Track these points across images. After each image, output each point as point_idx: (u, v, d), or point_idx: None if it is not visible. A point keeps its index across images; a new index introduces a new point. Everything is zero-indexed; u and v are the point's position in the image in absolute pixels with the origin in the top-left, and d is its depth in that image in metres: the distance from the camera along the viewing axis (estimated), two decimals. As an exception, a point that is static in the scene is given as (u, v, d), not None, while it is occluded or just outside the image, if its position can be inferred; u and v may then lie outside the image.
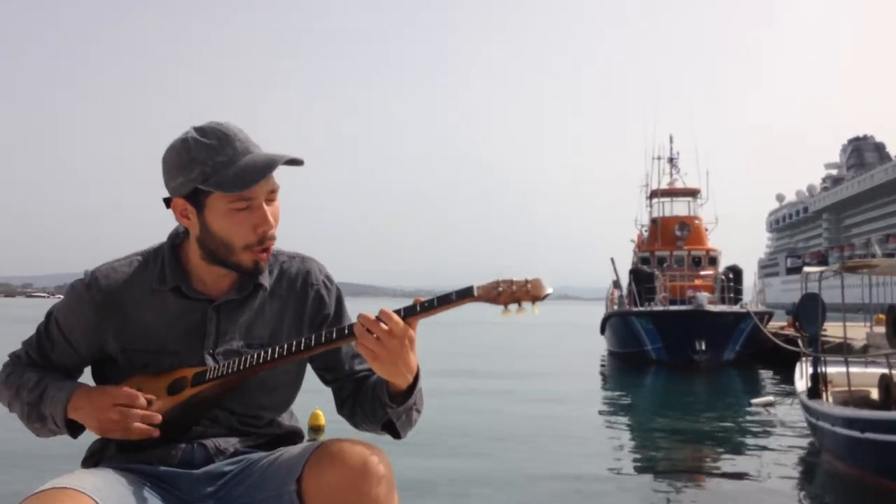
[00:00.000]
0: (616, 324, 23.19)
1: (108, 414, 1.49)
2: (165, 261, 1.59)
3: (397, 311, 1.45)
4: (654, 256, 24.78)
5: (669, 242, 25.01)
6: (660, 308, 21.11)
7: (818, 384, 8.37)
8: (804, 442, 9.04)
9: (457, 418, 10.30)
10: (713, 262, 24.68)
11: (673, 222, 25.65)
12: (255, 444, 1.61)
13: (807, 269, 10.10)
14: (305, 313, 1.65)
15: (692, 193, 27.14)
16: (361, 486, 1.40)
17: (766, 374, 18.11)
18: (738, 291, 22.54)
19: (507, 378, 16.97)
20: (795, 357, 10.41)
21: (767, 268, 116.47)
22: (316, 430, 8.63)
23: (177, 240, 1.62)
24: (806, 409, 8.62)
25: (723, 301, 21.58)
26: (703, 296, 20.07)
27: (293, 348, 1.52)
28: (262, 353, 1.52)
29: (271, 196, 1.54)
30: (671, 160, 27.56)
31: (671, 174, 27.56)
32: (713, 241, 25.97)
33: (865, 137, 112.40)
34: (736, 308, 20.90)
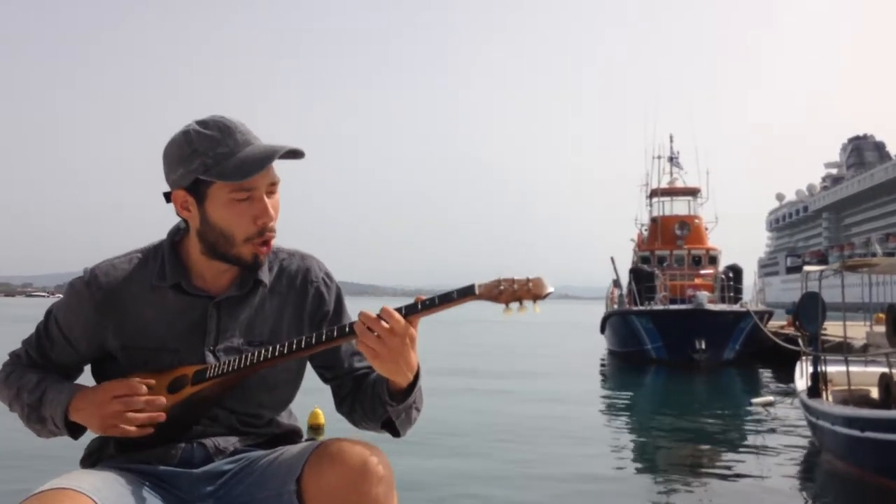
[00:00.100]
0: (616, 323, 23.19)
1: (110, 407, 1.48)
2: (165, 257, 1.59)
3: (398, 310, 1.45)
4: (654, 256, 24.78)
5: (669, 242, 25.01)
6: (660, 307, 21.11)
7: (818, 383, 8.37)
8: (804, 441, 9.03)
9: (456, 417, 10.30)
10: (713, 261, 24.68)
11: (673, 221, 25.65)
12: (254, 443, 1.61)
13: (807, 268, 10.10)
14: (305, 311, 1.65)
15: (692, 193, 27.14)
16: (361, 486, 1.40)
17: (765, 373, 18.11)
18: (738, 290, 22.55)
19: (508, 377, 16.97)
20: (795, 356, 10.41)
21: (767, 267, 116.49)
22: (315, 429, 8.63)
23: (176, 236, 1.61)
24: (806, 408, 8.61)
25: (723, 300, 21.58)
26: (703, 295, 20.06)
27: (294, 346, 1.51)
28: (263, 351, 1.52)
29: (272, 188, 1.54)
30: (671, 159, 27.53)
31: (671, 173, 27.56)
32: (713, 241, 25.98)
33: (865, 136, 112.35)
34: (736, 307, 20.91)
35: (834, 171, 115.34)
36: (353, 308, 1.70)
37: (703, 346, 19.13)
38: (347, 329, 1.50)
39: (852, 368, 8.26)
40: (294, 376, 1.67)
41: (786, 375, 13.60)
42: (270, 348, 1.52)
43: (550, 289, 1.45)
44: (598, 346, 25.34)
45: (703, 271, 24.08)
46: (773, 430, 10.32)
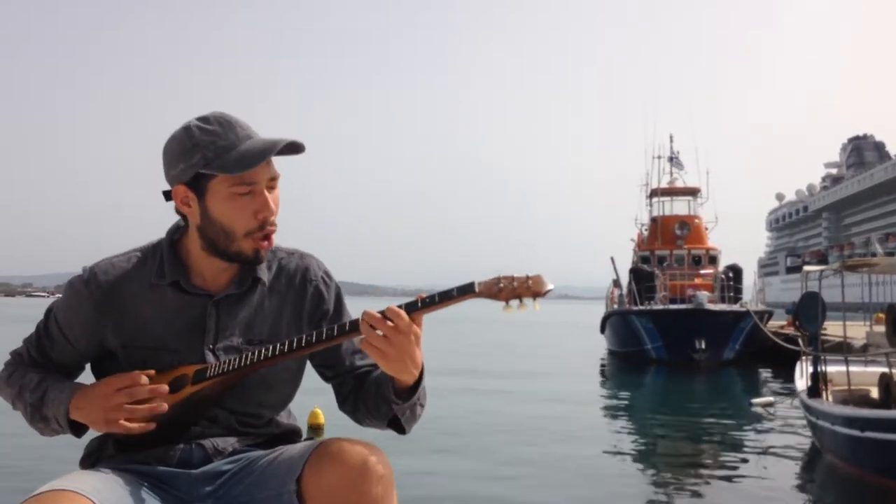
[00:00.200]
0: (616, 323, 23.19)
1: (113, 399, 1.47)
2: (164, 256, 1.58)
3: (398, 308, 1.45)
4: (654, 255, 24.79)
5: (669, 241, 25.02)
6: (660, 307, 21.12)
7: (818, 383, 8.37)
8: (804, 441, 9.03)
9: (456, 417, 10.30)
10: (713, 261, 24.69)
11: (673, 221, 25.66)
12: (253, 443, 1.61)
13: (807, 267, 10.10)
14: (304, 309, 1.64)
15: (692, 193, 27.15)
16: (361, 486, 1.40)
17: (765, 373, 18.12)
18: (738, 290, 22.57)
19: (507, 377, 16.97)
20: (795, 356, 10.41)
21: (767, 267, 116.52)
22: (315, 429, 8.63)
23: (175, 235, 1.61)
24: (806, 408, 8.61)
25: (723, 300, 21.59)
26: (703, 295, 20.06)
27: (295, 344, 1.51)
28: (265, 350, 1.52)
29: (272, 183, 1.54)
30: (671, 159, 27.53)
31: (671, 173, 27.57)
32: (713, 241, 26.00)
33: (865, 136, 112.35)
34: (736, 307, 20.92)
35: (834, 170, 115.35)
36: (354, 308, 1.70)
37: (703, 346, 19.14)
38: (348, 327, 1.50)
39: (852, 368, 8.26)
40: (293, 375, 1.66)
41: (786, 375, 13.61)
42: (271, 347, 1.52)
43: (550, 286, 1.45)
44: (598, 346, 25.35)
45: (702, 271, 24.10)
46: (773, 430, 10.32)
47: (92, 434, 1.58)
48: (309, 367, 1.71)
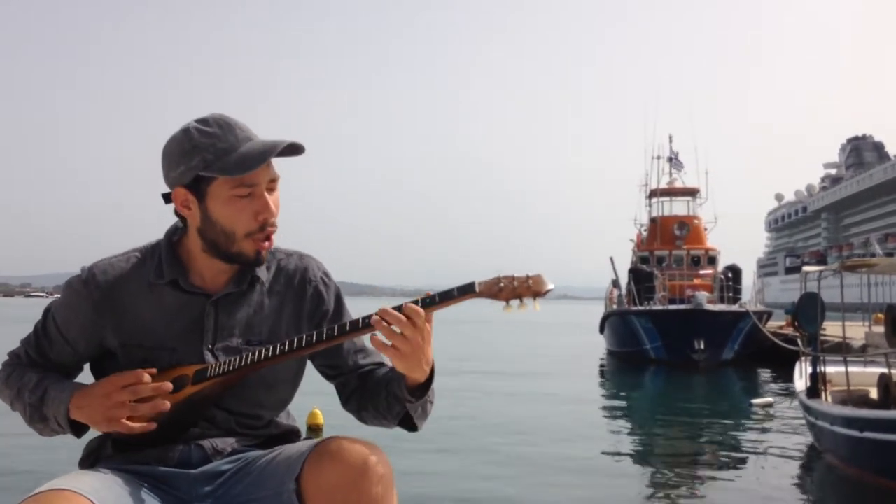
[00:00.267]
0: (615, 323, 23.20)
1: (116, 397, 1.47)
2: (162, 255, 1.58)
3: (397, 308, 1.45)
4: (654, 256, 24.81)
5: (669, 242, 25.03)
6: (659, 307, 21.13)
7: (817, 383, 8.37)
8: (803, 441, 9.04)
9: (456, 417, 10.29)
10: (712, 261, 24.71)
11: (672, 222, 25.67)
12: (252, 443, 1.61)
13: (806, 268, 10.10)
14: (304, 310, 1.64)
15: (691, 193, 27.17)
16: (361, 485, 1.40)
17: (764, 374, 18.13)
18: (737, 291, 22.60)
19: (506, 377, 16.98)
20: (794, 356, 10.41)
21: (766, 267, 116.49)
22: (314, 429, 8.63)
23: (174, 236, 1.61)
24: (805, 408, 8.62)
25: (722, 300, 21.61)
26: (703, 295, 20.08)
27: (297, 344, 1.51)
28: (266, 350, 1.51)
29: (272, 185, 1.54)
30: (671, 159, 27.55)
31: (671, 173, 27.58)
32: (712, 241, 26.02)
33: (864, 137, 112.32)
34: (735, 307, 20.94)
35: (833, 171, 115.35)
36: (354, 308, 1.70)
37: (702, 347, 19.14)
38: (349, 327, 1.50)
39: (851, 369, 8.27)
40: (293, 376, 1.66)
41: (785, 375, 13.60)
42: (273, 347, 1.52)
43: (550, 285, 1.46)
44: (598, 346, 25.36)
45: (702, 271, 24.11)
46: (772, 431, 10.32)
47: (91, 434, 1.57)
48: (309, 367, 1.70)
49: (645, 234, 27.01)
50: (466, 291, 1.44)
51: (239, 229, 1.51)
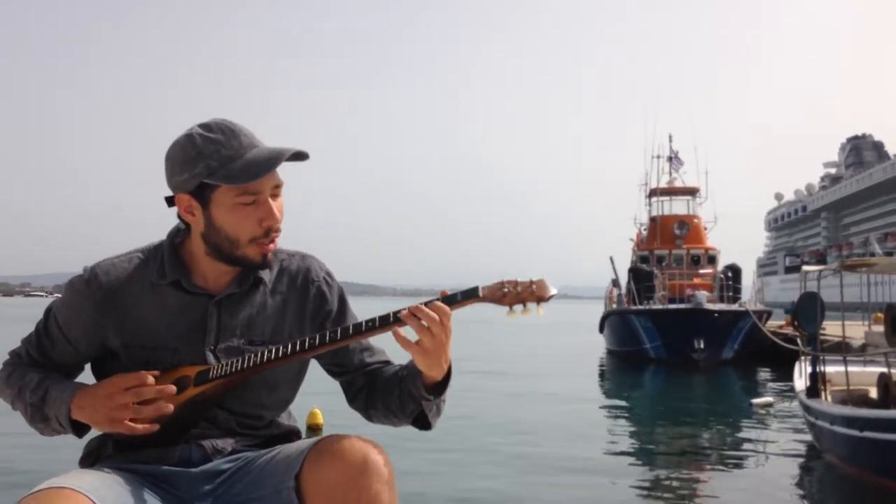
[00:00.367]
0: (615, 322, 23.20)
1: (119, 399, 1.47)
2: (165, 256, 1.58)
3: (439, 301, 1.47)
4: (654, 255, 24.81)
5: (668, 241, 25.03)
6: (659, 307, 21.13)
7: (817, 383, 8.36)
8: (803, 441, 9.03)
9: (456, 416, 10.29)
10: (712, 260, 24.71)
11: (672, 221, 25.67)
12: (253, 443, 1.61)
13: (805, 267, 10.10)
14: (307, 310, 1.64)
15: (691, 192, 27.16)
16: (361, 482, 1.40)
17: (764, 373, 18.12)
18: (737, 290, 22.59)
19: (506, 376, 16.97)
20: (794, 355, 10.41)
21: (766, 266, 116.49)
22: (314, 429, 8.63)
23: (177, 237, 1.61)
24: (805, 408, 8.61)
25: (721, 300, 21.61)
26: (702, 294, 20.07)
27: (300, 346, 1.51)
28: (268, 352, 1.51)
29: (276, 191, 1.54)
30: (671, 159, 27.54)
31: (671, 173, 27.57)
32: (712, 240, 26.02)
33: (864, 136, 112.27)
34: (735, 307, 20.93)
35: (832, 170, 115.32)
36: (355, 308, 1.70)
37: (702, 346, 19.14)
38: (352, 330, 1.51)
39: (851, 368, 8.27)
40: (294, 376, 1.66)
41: (785, 375, 13.60)
42: (276, 349, 1.52)
43: (554, 291, 1.47)
44: (597, 345, 25.35)
45: (701, 271, 24.11)
46: (772, 430, 10.32)
47: (92, 433, 1.57)
48: (311, 367, 1.70)
49: (645, 233, 27.00)
50: (470, 296, 1.46)
51: (243, 236, 1.51)
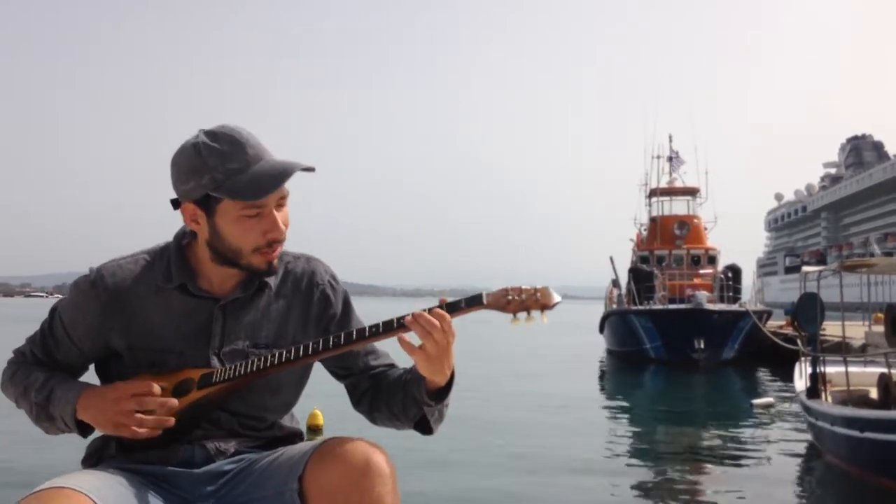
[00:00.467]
0: (615, 322, 23.20)
1: (123, 405, 1.47)
2: (171, 259, 1.58)
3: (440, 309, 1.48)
4: (654, 255, 24.81)
5: (669, 241, 25.04)
6: (659, 307, 21.13)
7: (817, 384, 8.36)
8: (803, 441, 9.04)
9: (455, 417, 10.27)
10: (712, 261, 24.71)
11: (672, 221, 25.68)
12: (255, 445, 1.61)
13: (805, 268, 10.10)
14: (311, 313, 1.65)
15: (691, 192, 27.17)
16: (363, 484, 1.40)
17: (764, 373, 18.12)
18: (737, 290, 22.60)
19: (506, 376, 16.97)
20: (794, 356, 10.41)
21: (766, 267, 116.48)
22: (314, 430, 8.63)
23: (183, 240, 1.61)
24: (805, 408, 8.61)
25: (722, 300, 21.62)
26: (702, 294, 20.07)
27: (302, 351, 1.52)
28: (272, 356, 1.52)
29: (282, 202, 1.54)
30: (671, 159, 27.55)
31: (671, 173, 27.57)
32: (712, 240, 26.02)
33: (864, 136, 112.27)
34: (735, 307, 20.93)
35: (832, 170, 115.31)
36: (356, 308, 1.70)
37: (702, 346, 19.14)
38: (356, 335, 1.51)
39: (851, 369, 8.26)
40: (298, 379, 1.67)
41: (785, 375, 13.60)
42: (279, 353, 1.52)
43: (558, 299, 1.48)
44: (597, 345, 25.35)
45: (702, 271, 24.11)
46: (772, 431, 10.32)
47: (95, 433, 1.58)
48: (313, 370, 1.70)
49: (645, 233, 27.00)
50: (474, 303, 1.47)
51: (246, 246, 1.52)
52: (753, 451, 8.90)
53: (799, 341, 9.67)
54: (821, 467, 8.06)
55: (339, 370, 1.70)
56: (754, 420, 11.21)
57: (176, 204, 1.56)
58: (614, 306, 24.45)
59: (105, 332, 1.56)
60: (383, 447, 1.47)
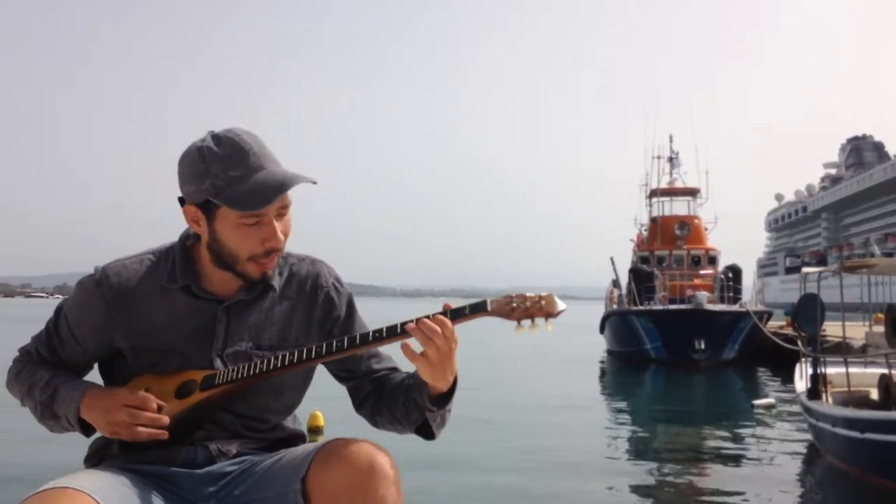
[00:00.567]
0: (615, 323, 23.21)
1: (117, 415, 1.48)
2: (176, 260, 1.59)
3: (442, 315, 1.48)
4: (654, 256, 24.82)
5: (669, 242, 25.04)
6: (659, 307, 21.14)
7: (818, 385, 8.36)
8: (804, 442, 9.04)
9: (455, 417, 10.26)
10: (712, 261, 24.72)
11: (672, 222, 25.68)
12: (257, 446, 1.61)
13: (805, 269, 10.10)
14: (315, 315, 1.65)
15: (692, 193, 27.18)
16: (367, 486, 1.40)
17: (765, 374, 18.13)
18: (738, 291, 22.61)
19: (506, 376, 16.97)
20: (794, 356, 10.41)
21: (766, 267, 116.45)
22: (315, 431, 8.63)
23: (188, 241, 1.62)
24: (806, 409, 8.61)
25: (722, 300, 21.62)
26: (703, 295, 20.08)
27: (307, 355, 1.52)
28: (275, 359, 1.52)
29: (282, 211, 1.53)
30: (671, 160, 27.56)
31: (671, 173, 27.59)
32: (712, 241, 26.03)
33: (864, 137, 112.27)
34: (735, 307, 20.95)
35: (833, 171, 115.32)
36: (358, 308, 1.70)
37: (703, 346, 19.15)
38: (359, 340, 1.52)
39: (852, 370, 8.26)
40: (301, 382, 1.67)
41: (785, 375, 13.61)
42: (282, 356, 1.52)
43: (563, 307, 1.49)
44: (598, 346, 25.35)
45: (702, 271, 24.13)
46: (773, 431, 10.32)
47: (99, 433, 1.58)
48: (316, 372, 1.70)
49: (645, 233, 27.01)
50: (478, 310, 1.47)
51: (243, 253, 1.52)
52: (754, 452, 8.89)
53: (799, 342, 9.66)
54: (821, 468, 8.06)
55: (342, 373, 1.70)
56: (755, 421, 11.21)
57: (183, 201, 1.56)
58: (615, 306, 24.46)
59: (109, 332, 1.57)
60: (387, 449, 1.47)
